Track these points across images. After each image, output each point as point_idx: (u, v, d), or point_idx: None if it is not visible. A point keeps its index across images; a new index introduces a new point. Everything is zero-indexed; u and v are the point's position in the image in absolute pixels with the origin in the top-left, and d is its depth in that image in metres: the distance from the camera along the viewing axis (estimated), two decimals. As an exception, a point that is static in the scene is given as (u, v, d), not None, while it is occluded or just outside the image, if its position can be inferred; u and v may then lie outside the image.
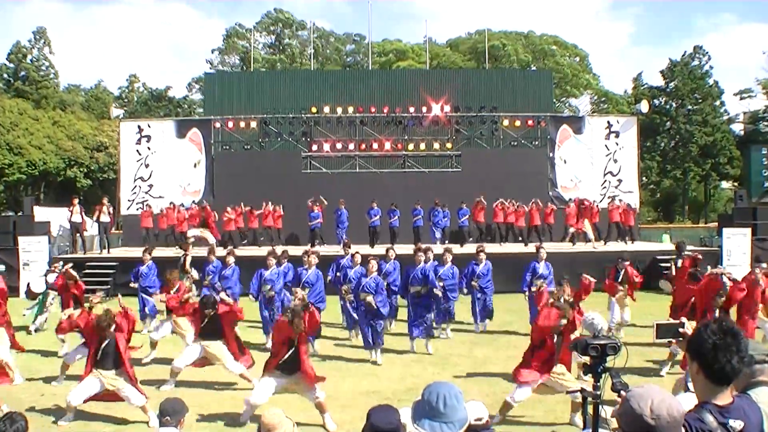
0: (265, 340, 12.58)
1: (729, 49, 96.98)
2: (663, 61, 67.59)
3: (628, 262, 13.89)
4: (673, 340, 9.94)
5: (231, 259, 14.47)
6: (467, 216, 23.85)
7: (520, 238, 24.15)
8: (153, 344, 11.92)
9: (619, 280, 13.66)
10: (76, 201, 23.28)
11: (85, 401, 8.40)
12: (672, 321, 3.92)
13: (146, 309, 14.59)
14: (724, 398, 2.76)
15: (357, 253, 13.67)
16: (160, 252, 22.05)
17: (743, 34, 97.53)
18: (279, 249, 15.35)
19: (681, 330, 5.16)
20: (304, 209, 23.47)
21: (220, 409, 8.77)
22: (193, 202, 25.54)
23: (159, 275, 14.37)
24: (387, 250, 14.32)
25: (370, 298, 11.62)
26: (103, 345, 8.43)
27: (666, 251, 22.13)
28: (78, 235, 23.00)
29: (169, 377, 10.07)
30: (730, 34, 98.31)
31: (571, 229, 23.15)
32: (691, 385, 4.68)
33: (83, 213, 23.05)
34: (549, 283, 13.39)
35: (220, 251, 16.89)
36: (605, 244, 23.18)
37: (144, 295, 14.62)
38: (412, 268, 12.85)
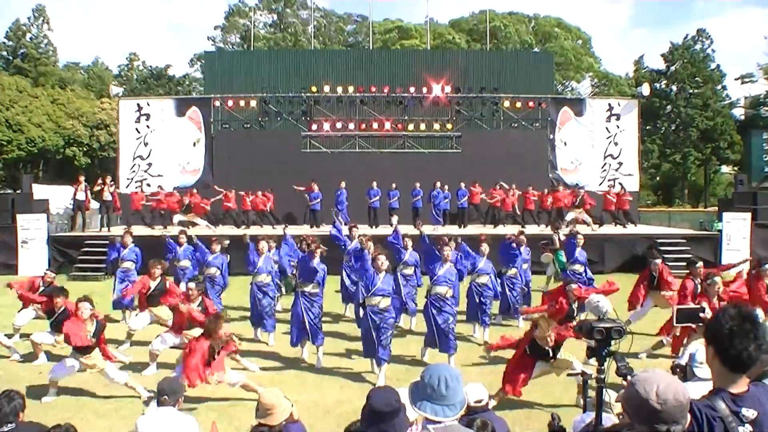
0: (253, 333, 11.91)
1: (729, 33, 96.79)
2: (663, 43, 67.48)
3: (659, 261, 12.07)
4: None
5: (217, 247, 13.22)
6: (466, 197, 23.73)
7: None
8: (130, 335, 11.32)
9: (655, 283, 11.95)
10: (82, 179, 23.23)
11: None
12: (692, 306, 3.87)
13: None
14: (739, 386, 2.70)
15: (368, 238, 12.30)
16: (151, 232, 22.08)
17: (743, 18, 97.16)
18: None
19: (701, 315, 5.14)
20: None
21: (212, 393, 8.73)
22: (176, 187, 25.00)
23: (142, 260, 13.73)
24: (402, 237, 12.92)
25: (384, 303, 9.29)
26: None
27: (667, 235, 22.16)
28: (80, 213, 23.00)
29: (149, 360, 9.74)
30: (730, 18, 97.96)
31: (569, 216, 22.88)
32: (698, 372, 4.67)
33: (88, 191, 23.00)
34: (586, 268, 13.34)
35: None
36: (599, 227, 23.10)
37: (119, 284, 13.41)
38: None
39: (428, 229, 21.24)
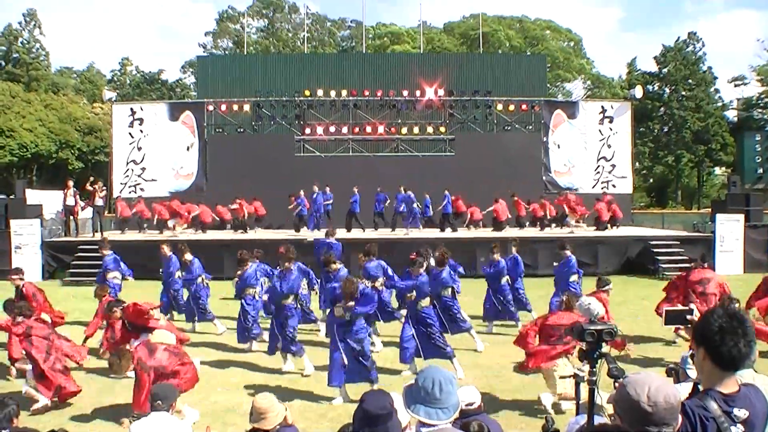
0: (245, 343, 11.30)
1: (717, 35, 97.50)
2: (653, 45, 67.82)
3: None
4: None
5: (189, 256, 12.61)
6: (445, 202, 23.53)
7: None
8: None
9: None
10: (71, 183, 23.15)
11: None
12: (681, 307, 3.89)
13: None
14: (730, 386, 2.72)
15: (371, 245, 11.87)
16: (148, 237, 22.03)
17: (731, 20, 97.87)
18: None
19: (689, 317, 5.17)
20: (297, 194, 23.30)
21: (206, 398, 8.74)
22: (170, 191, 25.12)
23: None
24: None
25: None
26: None
27: (660, 236, 22.18)
28: (71, 218, 22.92)
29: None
30: (719, 20, 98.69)
31: (571, 219, 23.02)
32: (690, 373, 4.68)
33: (77, 196, 22.92)
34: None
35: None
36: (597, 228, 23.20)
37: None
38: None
39: (412, 233, 21.30)
